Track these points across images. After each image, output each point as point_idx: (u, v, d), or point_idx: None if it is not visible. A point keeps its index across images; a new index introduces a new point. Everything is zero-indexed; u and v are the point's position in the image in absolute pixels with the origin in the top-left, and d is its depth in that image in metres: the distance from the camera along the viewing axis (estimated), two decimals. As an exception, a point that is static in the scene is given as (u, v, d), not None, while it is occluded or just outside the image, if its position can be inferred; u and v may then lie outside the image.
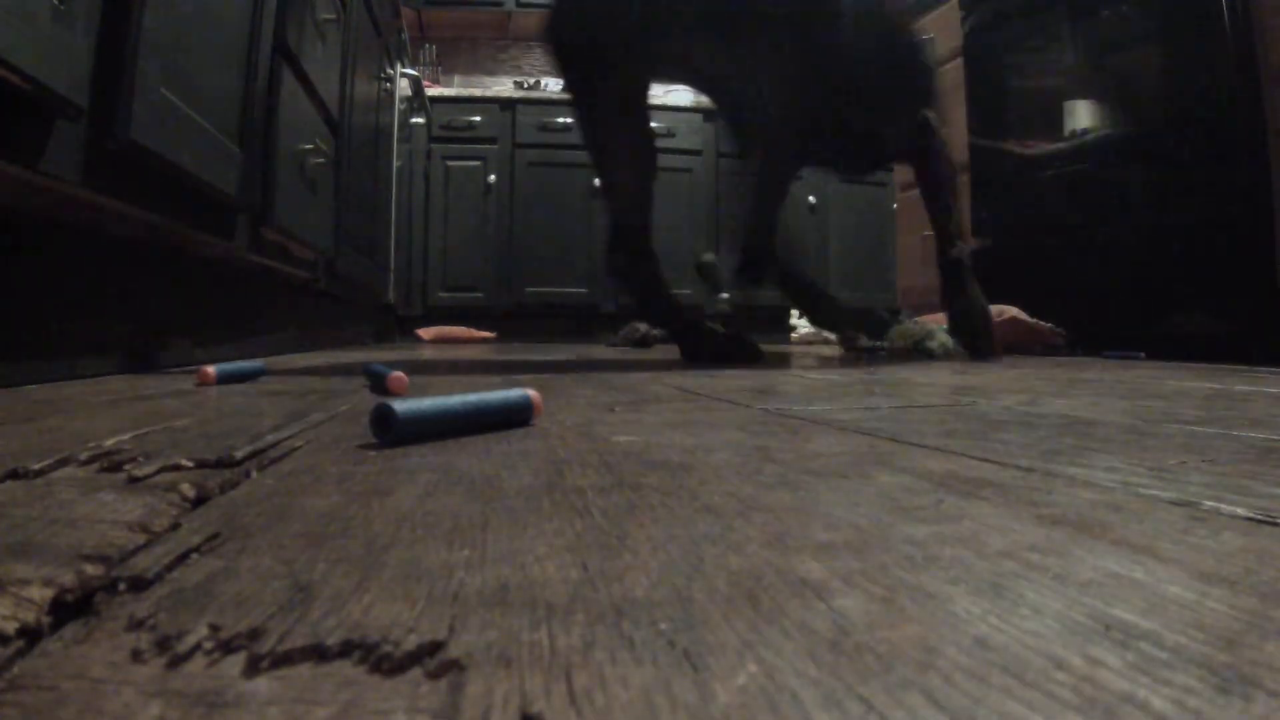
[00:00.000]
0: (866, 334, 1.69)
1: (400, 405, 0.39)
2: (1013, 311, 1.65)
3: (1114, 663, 0.14)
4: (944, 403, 0.63)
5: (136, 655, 0.14)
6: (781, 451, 0.38)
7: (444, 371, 1.02)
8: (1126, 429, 0.47)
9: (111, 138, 0.69)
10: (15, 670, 0.14)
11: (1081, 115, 1.80)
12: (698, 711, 0.12)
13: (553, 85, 3.40)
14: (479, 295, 2.97)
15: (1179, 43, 1.56)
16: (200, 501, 0.27)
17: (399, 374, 0.67)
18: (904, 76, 1.45)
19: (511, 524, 0.24)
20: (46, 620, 0.16)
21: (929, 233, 2.32)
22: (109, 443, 0.37)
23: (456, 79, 3.51)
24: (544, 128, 3.02)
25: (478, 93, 3.05)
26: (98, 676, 0.13)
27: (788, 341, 2.63)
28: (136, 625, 0.16)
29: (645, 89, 1.29)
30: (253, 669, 0.14)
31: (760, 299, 3.11)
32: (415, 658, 0.14)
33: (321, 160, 1.42)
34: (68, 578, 0.18)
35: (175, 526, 0.23)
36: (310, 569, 0.19)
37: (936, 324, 1.61)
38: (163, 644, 0.15)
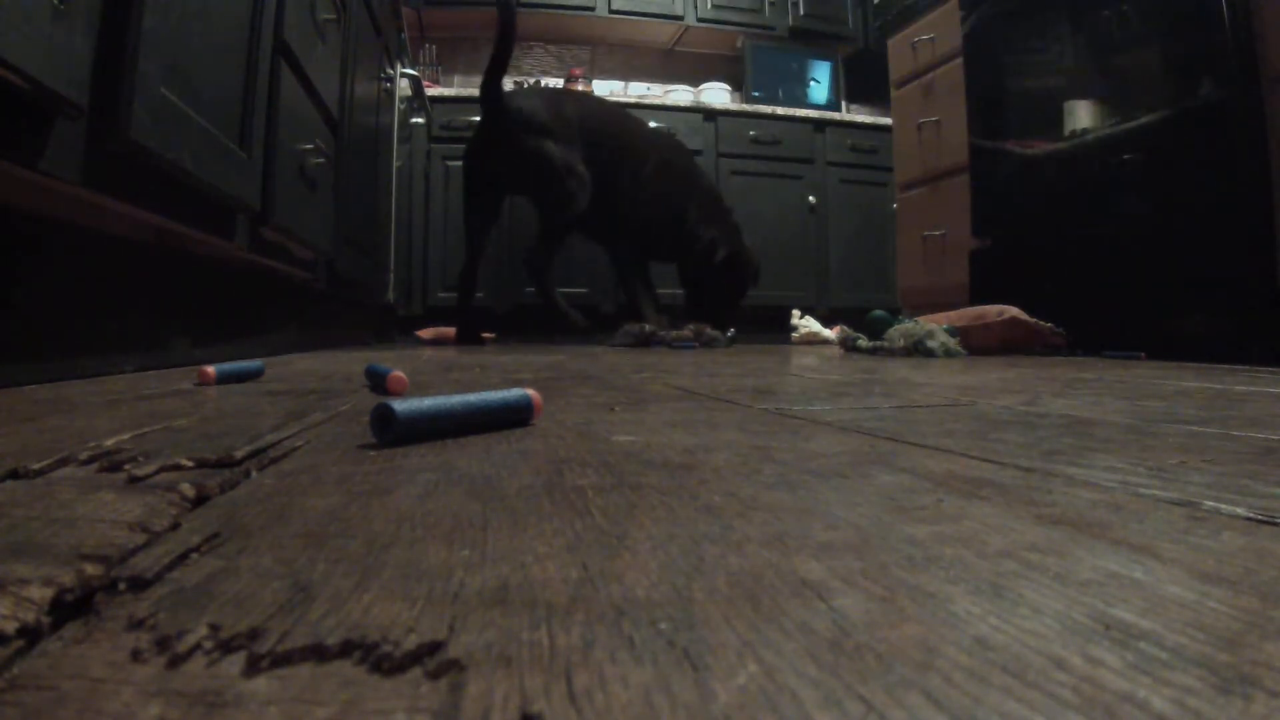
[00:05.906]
0: (867, 334, 1.69)
1: (400, 405, 0.39)
2: (1013, 311, 1.65)
3: (1114, 663, 0.14)
4: (944, 403, 0.63)
5: (136, 655, 0.14)
6: (781, 451, 0.38)
7: (444, 371, 1.02)
8: (1126, 429, 0.47)
9: (112, 137, 0.69)
10: (15, 670, 0.14)
11: (1081, 115, 1.80)
12: (698, 711, 0.12)
13: (552, 85, 3.40)
14: (479, 295, 2.96)
15: (1179, 43, 1.56)
16: (200, 501, 0.27)
17: (399, 374, 0.67)
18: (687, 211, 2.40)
19: (511, 524, 0.24)
20: (46, 620, 0.16)
21: (929, 233, 2.33)
22: (109, 443, 0.37)
23: (456, 79, 3.51)
24: (544, 128, 3.01)
25: (477, 93, 3.04)
26: (98, 676, 0.13)
27: (788, 341, 2.63)
28: (136, 625, 0.16)
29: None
30: (253, 669, 0.14)
31: (759, 299, 3.12)
32: (415, 658, 0.14)
33: (321, 160, 1.42)
34: (68, 578, 0.18)
35: (175, 526, 0.23)
36: (310, 569, 0.19)
37: (936, 324, 1.61)
38: (163, 644, 0.15)
